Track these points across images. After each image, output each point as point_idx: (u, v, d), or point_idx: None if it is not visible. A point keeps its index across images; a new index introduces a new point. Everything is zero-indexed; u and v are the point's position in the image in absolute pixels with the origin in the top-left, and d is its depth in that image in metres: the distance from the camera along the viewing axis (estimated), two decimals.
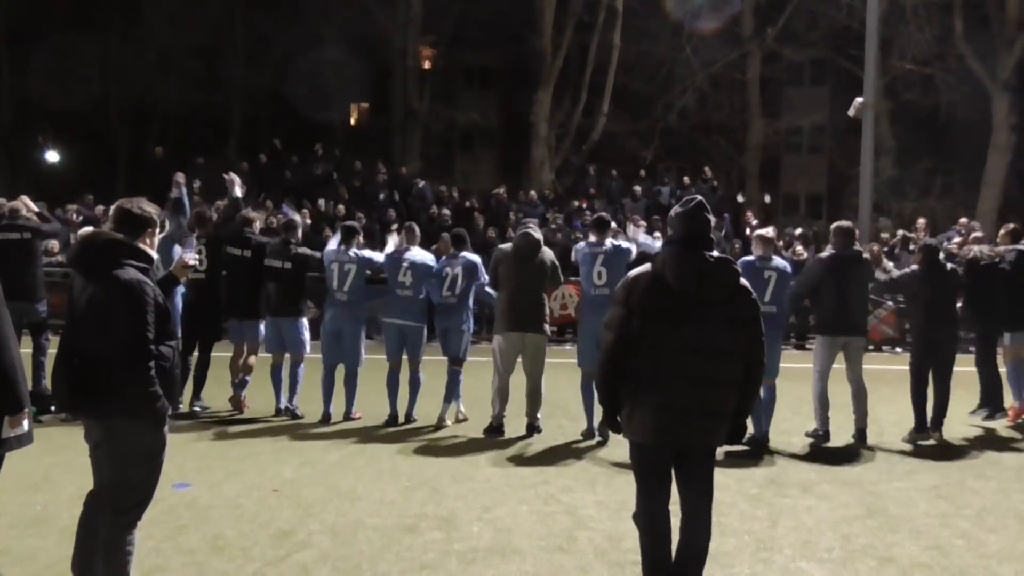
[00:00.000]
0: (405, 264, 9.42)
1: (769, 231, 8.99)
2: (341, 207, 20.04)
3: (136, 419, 4.34)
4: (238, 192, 10.20)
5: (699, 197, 4.63)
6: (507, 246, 9.09)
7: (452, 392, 9.40)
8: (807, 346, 16.73)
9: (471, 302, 9.52)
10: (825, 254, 9.00)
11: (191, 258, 4.93)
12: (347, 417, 9.55)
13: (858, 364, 8.85)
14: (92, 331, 4.34)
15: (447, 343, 9.41)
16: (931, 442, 8.91)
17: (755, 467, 7.93)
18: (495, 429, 8.94)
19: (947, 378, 9.06)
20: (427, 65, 31.62)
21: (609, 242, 8.97)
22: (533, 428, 8.97)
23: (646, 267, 4.58)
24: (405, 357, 9.51)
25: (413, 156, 28.62)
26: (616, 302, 4.59)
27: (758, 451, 8.36)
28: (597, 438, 8.66)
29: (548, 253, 9.05)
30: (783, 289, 8.67)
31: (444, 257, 9.62)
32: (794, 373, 10.13)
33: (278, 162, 23.53)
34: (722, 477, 7.16)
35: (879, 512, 6.67)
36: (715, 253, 4.50)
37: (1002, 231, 10.41)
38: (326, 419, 9.48)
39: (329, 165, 23.25)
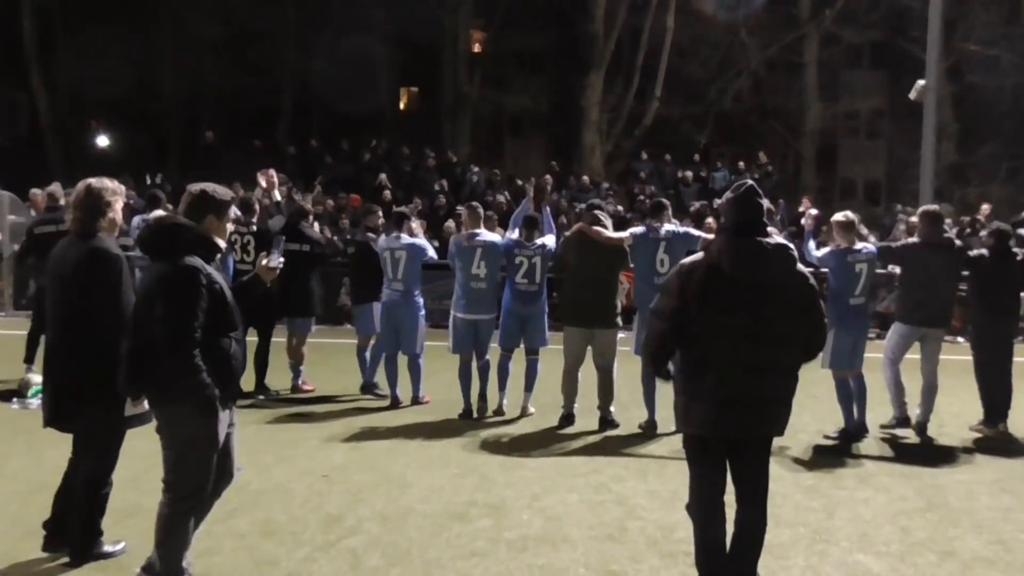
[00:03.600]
0: (478, 252, 9.10)
1: (848, 215, 8.71)
2: (388, 193, 20.13)
3: (185, 407, 4.38)
4: (277, 196, 10.08)
5: (750, 182, 4.57)
6: (571, 233, 8.95)
7: (532, 381, 9.32)
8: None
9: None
10: (912, 240, 8.86)
11: (276, 261, 4.86)
12: (415, 402, 9.68)
13: (935, 357, 8.69)
14: (145, 316, 4.41)
15: (526, 333, 9.27)
16: (990, 434, 8.76)
17: (810, 458, 7.84)
18: (567, 418, 8.91)
19: (1008, 368, 8.89)
20: (477, 49, 31.63)
21: (669, 227, 8.83)
22: (607, 422, 8.82)
23: (700, 256, 4.55)
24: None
25: (463, 141, 28.67)
26: (668, 292, 4.56)
27: (846, 445, 8.24)
28: (657, 431, 8.61)
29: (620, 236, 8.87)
30: (872, 279, 8.56)
31: (514, 243, 9.19)
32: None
33: (328, 148, 23.70)
34: (777, 468, 7.10)
35: (939, 505, 6.56)
36: (771, 239, 4.45)
37: None
38: (394, 403, 9.63)
39: (379, 150, 23.38)
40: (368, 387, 10.16)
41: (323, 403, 9.79)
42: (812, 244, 9.02)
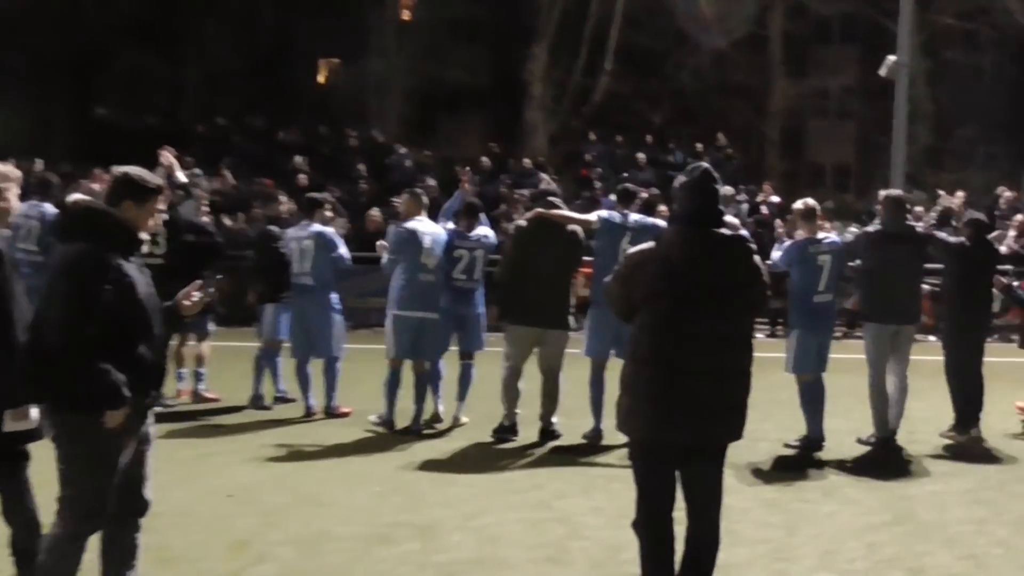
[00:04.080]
0: (427, 241, 8.91)
1: (808, 202, 8.84)
2: (303, 177, 19.98)
3: (80, 416, 4.26)
4: (181, 177, 9.93)
5: (705, 165, 4.64)
6: (524, 222, 8.92)
7: (466, 389, 9.32)
8: (858, 334, 16.83)
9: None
10: (872, 228, 9.01)
11: (197, 296, 4.65)
12: (329, 413, 9.58)
13: (906, 357, 8.87)
14: (37, 311, 4.33)
15: (461, 334, 9.28)
16: (963, 440, 8.98)
17: (770, 468, 7.98)
18: (509, 429, 8.84)
19: (980, 368, 9.14)
20: (407, 16, 31.50)
21: (637, 217, 8.90)
22: (549, 433, 8.82)
23: (650, 246, 4.61)
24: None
25: (390, 119, 28.55)
26: (616, 278, 4.64)
27: (809, 455, 8.38)
28: (603, 441, 8.67)
29: (578, 230, 8.84)
30: (838, 273, 8.69)
31: (453, 233, 9.15)
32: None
33: (237, 127, 23.47)
34: (734, 480, 7.22)
35: (908, 518, 6.72)
36: (726, 230, 4.53)
37: None
38: (309, 414, 9.59)
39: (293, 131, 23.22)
40: (256, 400, 9.96)
41: (229, 414, 9.70)
42: (776, 252, 9.02)
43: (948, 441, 9.02)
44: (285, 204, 10.74)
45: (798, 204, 8.89)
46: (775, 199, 20.01)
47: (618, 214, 8.82)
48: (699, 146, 23.58)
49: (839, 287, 9.15)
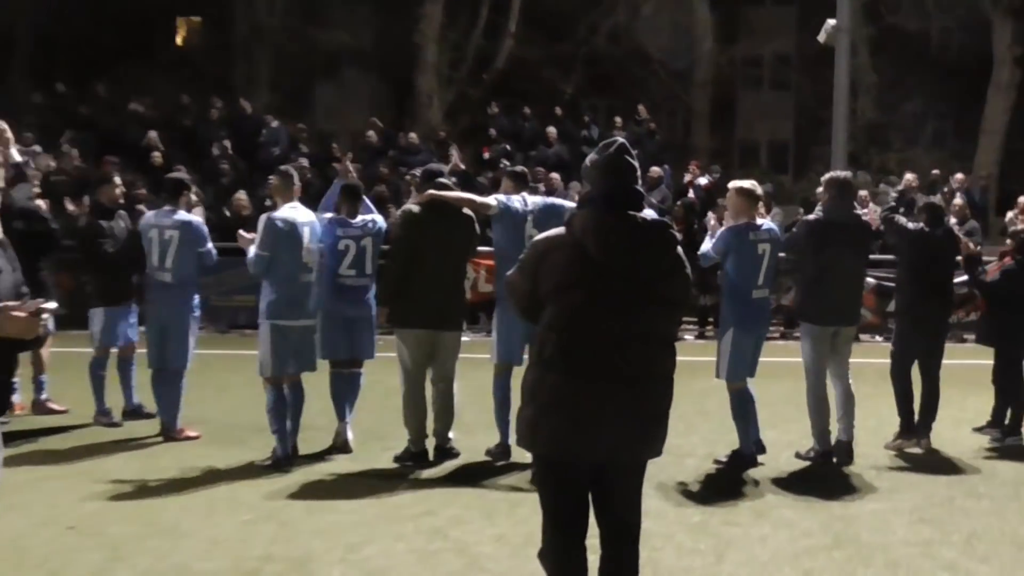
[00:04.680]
0: (306, 234, 8.66)
1: (750, 184, 8.88)
2: (158, 155, 19.63)
3: None
4: (15, 155, 9.61)
5: (620, 140, 4.66)
6: (415, 207, 8.79)
7: (353, 402, 9.18)
8: (795, 334, 17.09)
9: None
10: (813, 217, 9.08)
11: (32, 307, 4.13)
12: (168, 434, 9.39)
13: (845, 360, 9.03)
14: None
15: (351, 340, 9.11)
16: (917, 450, 9.24)
17: (697, 488, 8.08)
18: (417, 456, 8.73)
19: (935, 370, 9.41)
20: None
21: (536, 199, 8.96)
22: (445, 452, 8.80)
23: (559, 232, 4.61)
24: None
25: (260, 87, 28.23)
26: (520, 270, 4.65)
27: (740, 472, 8.50)
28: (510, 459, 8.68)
29: (473, 215, 8.84)
30: (776, 265, 8.81)
31: (334, 221, 9.00)
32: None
33: (81, 95, 23.01)
34: (655, 501, 7.34)
35: (849, 540, 6.86)
36: (647, 214, 4.55)
37: None
38: (166, 431, 9.44)
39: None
40: (102, 415, 9.89)
41: (71, 431, 9.56)
42: (707, 243, 9.04)
43: (893, 453, 9.25)
44: (119, 188, 10.38)
45: (740, 183, 8.90)
46: (703, 180, 20.32)
47: (518, 197, 8.85)
48: (617, 120, 23.80)
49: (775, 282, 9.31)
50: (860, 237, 9.10)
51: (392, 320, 8.86)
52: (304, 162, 19.36)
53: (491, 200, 8.87)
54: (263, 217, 8.84)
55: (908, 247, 9.50)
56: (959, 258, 10.01)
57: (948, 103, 28.70)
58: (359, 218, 9.04)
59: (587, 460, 4.55)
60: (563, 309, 4.48)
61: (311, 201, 9.54)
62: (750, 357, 8.69)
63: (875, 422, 9.90)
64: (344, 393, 9.13)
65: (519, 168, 9.53)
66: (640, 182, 4.64)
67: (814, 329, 8.87)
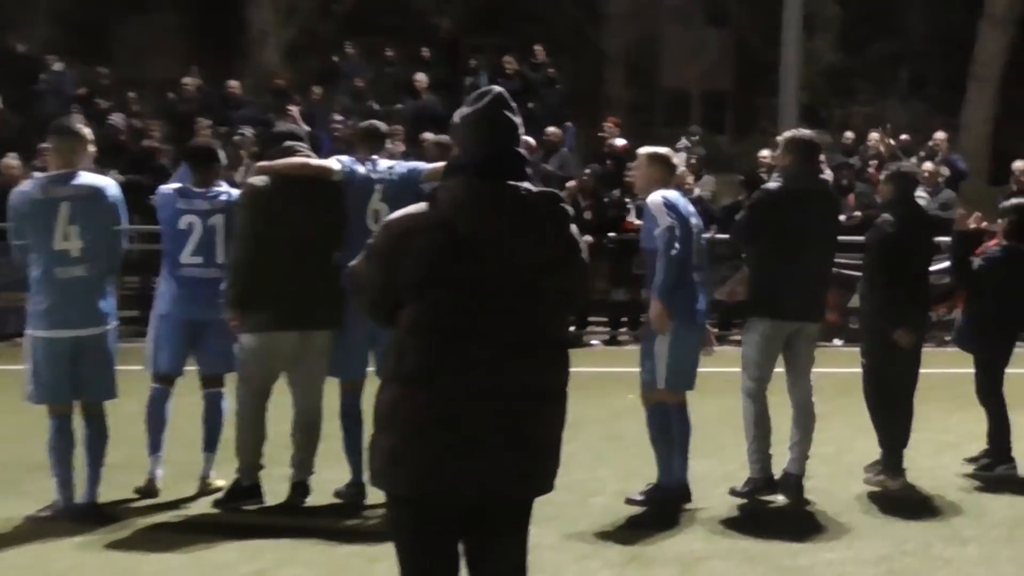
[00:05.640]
0: (63, 209, 8.34)
1: (665, 151, 8.99)
2: None
3: None
4: None
5: (497, 89, 4.63)
6: (259, 180, 8.64)
7: (217, 432, 9.02)
8: (733, 337, 17.19)
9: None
10: (774, 185, 9.12)
11: None
12: None
13: (807, 367, 9.09)
14: None
15: (204, 349, 9.01)
16: (892, 488, 9.30)
17: (607, 530, 8.06)
18: (247, 492, 8.64)
19: (911, 390, 9.47)
20: None
21: (388, 163, 8.92)
22: (301, 488, 8.71)
23: (420, 209, 4.57)
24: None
25: (38, 21, 27.70)
26: (368, 259, 4.60)
27: (661, 511, 8.49)
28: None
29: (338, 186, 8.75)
30: (703, 246, 8.90)
31: (174, 193, 8.89)
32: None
33: None
34: (550, 553, 7.31)
35: None
36: (531, 185, 4.53)
37: None
38: None
39: None
40: None
41: None
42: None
43: (872, 488, 9.29)
44: None
45: (650, 150, 9.00)
46: (620, 142, 20.34)
47: (357, 159, 8.81)
48: (508, 62, 23.83)
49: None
50: (829, 210, 9.18)
51: (245, 320, 8.68)
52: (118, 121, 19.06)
53: (333, 163, 8.77)
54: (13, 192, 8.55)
55: (879, 243, 9.51)
56: (943, 239, 10.06)
57: (929, 42, 29.06)
58: (211, 188, 8.90)
59: (458, 501, 4.51)
60: (426, 309, 4.44)
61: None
62: (692, 361, 8.73)
63: (833, 449, 9.99)
64: (158, 422, 8.96)
65: (370, 123, 9.44)
66: (521, 143, 4.62)
67: (768, 325, 8.93)
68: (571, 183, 17.87)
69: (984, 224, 9.99)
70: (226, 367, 9.06)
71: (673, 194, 8.81)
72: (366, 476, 8.18)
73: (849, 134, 20.37)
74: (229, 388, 9.05)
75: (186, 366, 9.11)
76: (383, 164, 8.84)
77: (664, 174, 8.84)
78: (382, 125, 9.52)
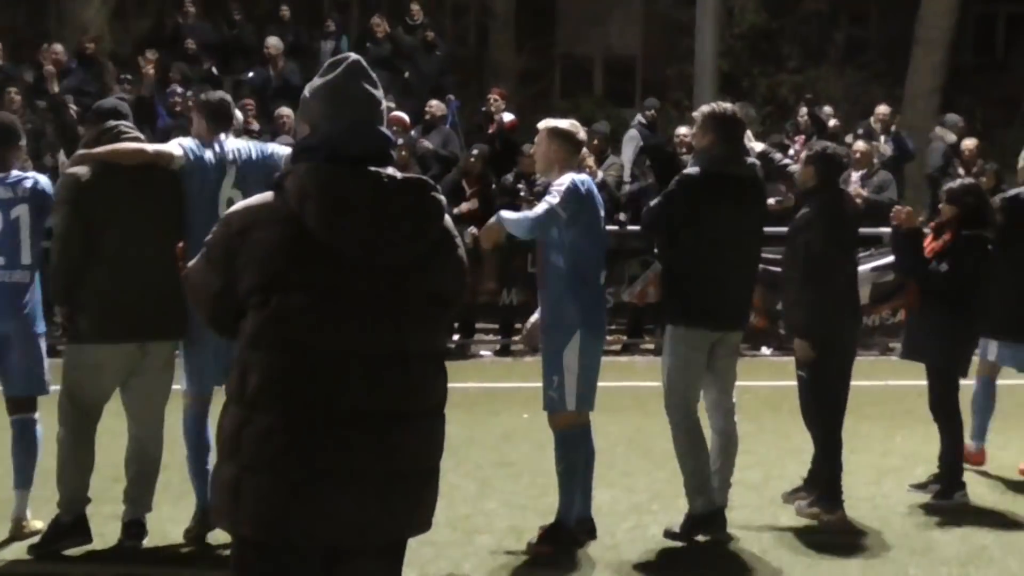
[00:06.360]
0: None
1: (568, 124, 8.98)
2: None
3: None
4: None
5: (354, 57, 4.69)
6: (81, 169, 8.53)
7: (32, 463, 8.94)
8: (644, 346, 17.55)
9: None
10: (691, 170, 9.15)
11: None
12: None
13: (729, 383, 9.16)
14: None
15: (7, 368, 8.91)
16: (828, 520, 9.39)
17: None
18: (69, 529, 8.56)
19: (842, 403, 9.62)
20: None
21: (238, 144, 8.96)
22: (139, 527, 8.65)
23: (266, 199, 4.61)
24: None
25: None
26: (207, 256, 4.66)
27: (566, 550, 8.52)
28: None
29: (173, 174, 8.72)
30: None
31: None
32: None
33: None
34: None
35: None
36: (394, 171, 4.57)
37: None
38: None
39: None
40: None
41: None
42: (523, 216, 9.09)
43: (805, 521, 9.42)
44: None
45: (551, 124, 8.99)
46: (508, 117, 20.37)
47: (202, 142, 8.80)
48: (376, 23, 23.73)
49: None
50: (756, 199, 9.23)
51: (70, 332, 8.68)
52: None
53: (173, 147, 8.76)
54: None
55: (796, 238, 9.60)
56: (884, 230, 10.23)
57: (868, 0, 29.41)
58: (11, 174, 8.85)
59: (316, 543, 4.55)
60: (271, 318, 4.47)
61: None
62: (596, 375, 8.78)
63: (759, 475, 10.11)
64: (15, 450, 8.93)
65: (217, 96, 9.43)
66: (383, 120, 4.67)
67: (688, 335, 8.94)
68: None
69: (920, 219, 10.20)
70: (37, 388, 9.03)
71: (585, 179, 8.86)
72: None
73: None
74: (45, 411, 9.01)
75: None
76: (233, 144, 8.87)
77: (568, 153, 8.83)
78: (229, 99, 9.45)
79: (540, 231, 8.72)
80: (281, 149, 9.11)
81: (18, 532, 8.81)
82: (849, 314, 9.70)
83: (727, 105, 9.55)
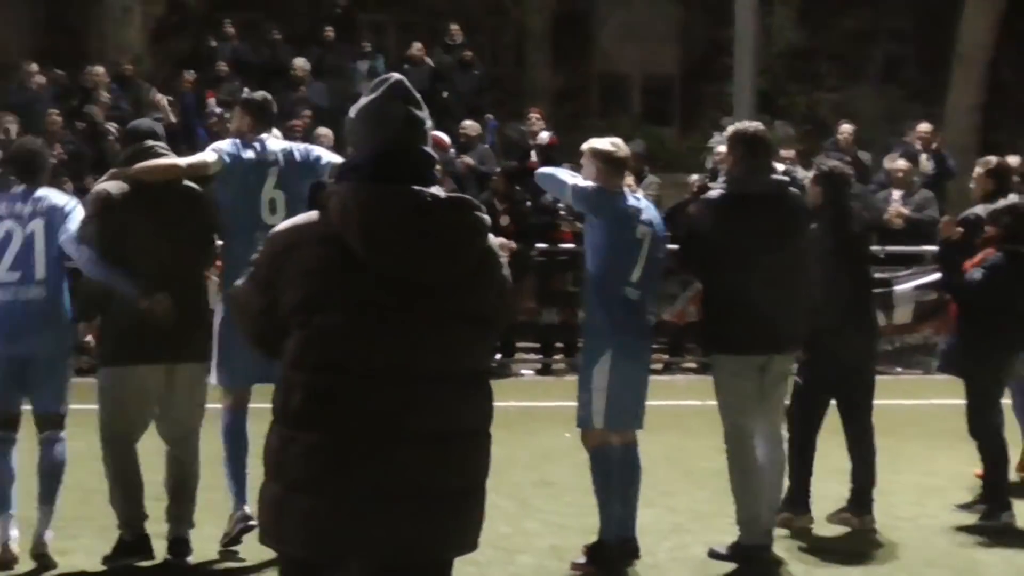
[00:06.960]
0: None
1: (610, 144, 8.87)
2: None
3: None
4: None
5: (396, 77, 4.67)
6: (112, 186, 8.59)
7: (55, 484, 8.83)
8: (685, 364, 17.11)
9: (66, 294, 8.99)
10: (716, 193, 9.16)
11: None
12: None
13: (779, 405, 9.16)
14: None
15: (29, 386, 8.80)
16: (858, 527, 9.50)
17: None
18: (133, 547, 8.57)
19: (867, 420, 9.66)
20: None
21: (283, 145, 8.99)
22: (181, 545, 8.66)
23: (309, 219, 4.60)
24: None
25: None
26: (252, 276, 4.65)
27: (608, 571, 8.51)
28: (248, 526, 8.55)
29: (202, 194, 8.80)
30: (658, 260, 8.81)
31: None
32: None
33: None
34: None
35: None
36: (440, 191, 4.56)
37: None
38: None
39: None
40: None
41: None
42: (566, 176, 9.03)
43: (844, 527, 9.49)
44: None
45: (599, 144, 8.86)
46: (545, 136, 20.36)
47: (244, 143, 8.83)
48: (416, 46, 23.80)
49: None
50: (787, 216, 9.05)
51: (106, 355, 8.72)
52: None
53: (207, 155, 8.79)
54: None
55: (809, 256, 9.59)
56: (928, 248, 10.22)
57: (906, 17, 29.24)
58: (35, 192, 8.80)
59: (361, 562, 4.54)
60: (316, 337, 4.46)
61: None
62: (636, 394, 8.71)
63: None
64: (42, 469, 8.84)
65: (260, 94, 9.44)
66: (427, 140, 4.65)
67: (727, 362, 8.90)
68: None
69: (952, 227, 10.18)
70: (61, 407, 8.93)
71: (630, 197, 8.81)
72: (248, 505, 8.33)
73: None
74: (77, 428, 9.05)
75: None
76: (276, 145, 8.89)
77: (611, 173, 8.72)
78: (271, 99, 9.42)
79: (558, 192, 9.19)
80: (328, 155, 9.12)
81: (37, 551, 8.68)
82: (852, 331, 9.60)
83: (751, 124, 9.60)
